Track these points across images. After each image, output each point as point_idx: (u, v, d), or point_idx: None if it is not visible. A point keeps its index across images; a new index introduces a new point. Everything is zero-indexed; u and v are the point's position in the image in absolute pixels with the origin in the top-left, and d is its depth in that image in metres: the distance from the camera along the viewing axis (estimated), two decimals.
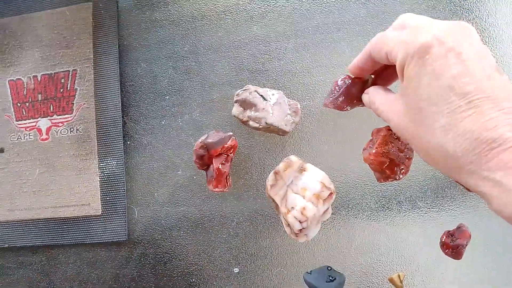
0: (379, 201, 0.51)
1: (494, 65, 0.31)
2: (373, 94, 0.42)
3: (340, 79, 0.51)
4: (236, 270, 0.53)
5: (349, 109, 0.51)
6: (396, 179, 0.48)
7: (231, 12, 0.56)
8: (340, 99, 0.50)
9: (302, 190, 0.47)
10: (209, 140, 0.51)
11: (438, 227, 0.48)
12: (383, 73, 0.45)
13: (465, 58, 0.31)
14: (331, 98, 0.50)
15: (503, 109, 0.29)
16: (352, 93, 0.50)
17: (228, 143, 0.51)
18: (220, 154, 0.51)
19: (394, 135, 0.48)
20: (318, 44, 0.54)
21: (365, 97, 0.44)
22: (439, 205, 0.50)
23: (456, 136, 0.30)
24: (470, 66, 0.30)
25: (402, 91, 0.35)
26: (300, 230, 0.47)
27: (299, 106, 0.52)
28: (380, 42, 0.37)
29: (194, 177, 0.54)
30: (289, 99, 0.52)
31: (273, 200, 0.50)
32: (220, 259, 0.53)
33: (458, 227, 0.48)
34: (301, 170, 0.48)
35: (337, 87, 0.50)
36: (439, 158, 0.31)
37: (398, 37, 0.35)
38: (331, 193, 0.48)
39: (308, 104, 0.53)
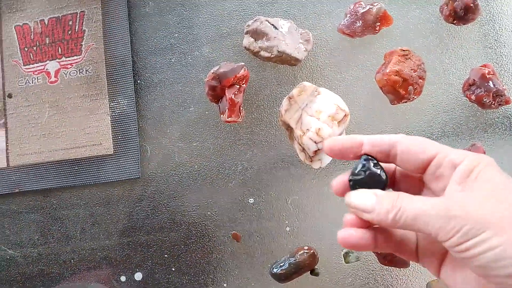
0: (392, 124, 0.51)
1: None
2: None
3: (353, 5, 0.51)
4: (251, 200, 0.53)
5: (360, 35, 0.51)
6: (409, 99, 0.48)
7: None
8: (358, 23, 0.50)
9: (317, 112, 0.47)
10: (221, 70, 0.51)
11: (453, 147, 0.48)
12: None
13: None
14: (347, 23, 0.51)
15: None
16: (369, 19, 0.50)
17: (240, 72, 0.51)
18: (232, 85, 0.51)
19: (407, 56, 0.48)
20: None
21: None
22: (452, 126, 0.50)
23: None
24: None
25: None
26: (315, 152, 0.47)
27: (311, 35, 0.52)
28: None
29: (206, 113, 0.54)
30: (300, 29, 0.52)
31: (287, 127, 0.50)
32: (235, 191, 0.53)
33: (473, 145, 0.48)
34: (315, 94, 0.49)
35: (353, 12, 0.50)
36: None
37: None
38: (345, 115, 0.48)
39: (319, 34, 0.53)
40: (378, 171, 0.31)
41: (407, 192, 0.29)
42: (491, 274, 0.26)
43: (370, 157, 0.31)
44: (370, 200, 0.29)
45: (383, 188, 0.31)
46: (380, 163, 0.32)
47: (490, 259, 0.25)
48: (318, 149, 0.47)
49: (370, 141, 0.31)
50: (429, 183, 0.30)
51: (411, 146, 0.30)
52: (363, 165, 0.31)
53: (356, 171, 0.32)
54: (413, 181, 0.32)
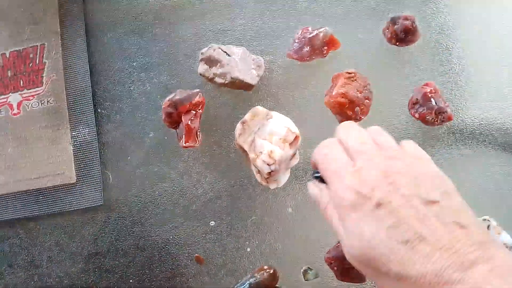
0: None
1: (425, 197, 0.32)
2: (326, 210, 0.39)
3: (300, 31, 0.53)
4: (212, 223, 0.54)
5: (308, 60, 0.53)
6: (357, 119, 0.50)
7: None
8: (306, 48, 0.52)
9: (269, 135, 0.49)
10: (177, 97, 0.52)
11: None
12: None
13: (394, 207, 0.32)
14: (295, 48, 0.53)
15: (443, 247, 0.30)
16: (316, 43, 0.52)
17: (195, 99, 0.52)
18: (188, 111, 0.53)
19: (352, 78, 0.50)
20: (276, 1, 0.56)
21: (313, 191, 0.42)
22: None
23: (411, 284, 0.30)
24: (401, 213, 0.32)
25: (347, 228, 0.34)
26: (269, 173, 0.48)
27: (262, 60, 0.54)
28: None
29: (165, 138, 0.56)
30: (252, 55, 0.54)
31: (243, 150, 0.52)
32: (196, 214, 0.54)
33: None
34: (267, 118, 0.50)
35: (301, 38, 0.52)
36: None
37: (331, 181, 0.37)
38: (296, 137, 0.50)
39: (271, 59, 0.55)
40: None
41: None
42: None
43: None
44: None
45: None
46: None
47: None
48: (272, 171, 0.48)
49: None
50: None
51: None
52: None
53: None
54: None
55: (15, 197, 0.57)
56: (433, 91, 0.49)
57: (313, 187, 0.41)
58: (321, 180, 0.40)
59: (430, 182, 0.34)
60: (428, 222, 0.31)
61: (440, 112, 0.49)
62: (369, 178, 0.34)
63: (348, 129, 0.40)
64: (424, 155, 0.39)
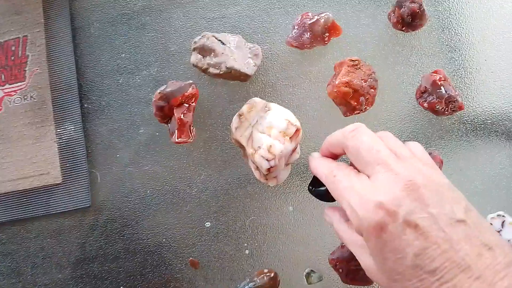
0: None
1: (453, 216, 0.30)
2: (334, 223, 0.38)
3: (300, 17, 0.50)
4: (207, 224, 0.50)
5: (309, 47, 0.50)
6: (361, 110, 0.47)
7: None
8: (306, 35, 0.49)
9: (268, 128, 0.46)
10: (168, 90, 0.49)
11: None
12: None
13: (423, 230, 0.29)
14: (295, 35, 0.49)
15: (472, 275, 0.28)
16: (317, 30, 0.49)
17: (188, 91, 0.49)
18: (181, 104, 0.49)
19: (356, 66, 0.47)
20: None
21: (325, 217, 0.40)
22: (408, 135, 0.49)
23: None
24: (430, 237, 0.29)
25: (371, 252, 0.32)
26: (269, 169, 0.45)
27: (259, 49, 0.50)
28: (332, 185, 0.36)
29: (157, 134, 0.52)
30: (249, 43, 0.51)
31: (240, 145, 0.48)
32: (190, 215, 0.51)
33: (429, 154, 0.47)
34: (266, 110, 0.47)
35: (301, 24, 0.49)
36: None
37: (348, 200, 0.33)
38: (297, 130, 0.46)
39: (268, 47, 0.51)
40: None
41: None
42: None
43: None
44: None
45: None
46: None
47: None
48: (271, 167, 0.45)
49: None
50: None
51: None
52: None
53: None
54: None
55: None
56: (443, 79, 0.46)
57: (326, 215, 0.40)
58: (319, 195, 0.41)
59: (451, 196, 0.31)
60: (458, 246, 0.29)
61: (450, 101, 0.45)
62: (393, 192, 0.30)
63: (359, 134, 0.35)
64: (430, 159, 0.36)
